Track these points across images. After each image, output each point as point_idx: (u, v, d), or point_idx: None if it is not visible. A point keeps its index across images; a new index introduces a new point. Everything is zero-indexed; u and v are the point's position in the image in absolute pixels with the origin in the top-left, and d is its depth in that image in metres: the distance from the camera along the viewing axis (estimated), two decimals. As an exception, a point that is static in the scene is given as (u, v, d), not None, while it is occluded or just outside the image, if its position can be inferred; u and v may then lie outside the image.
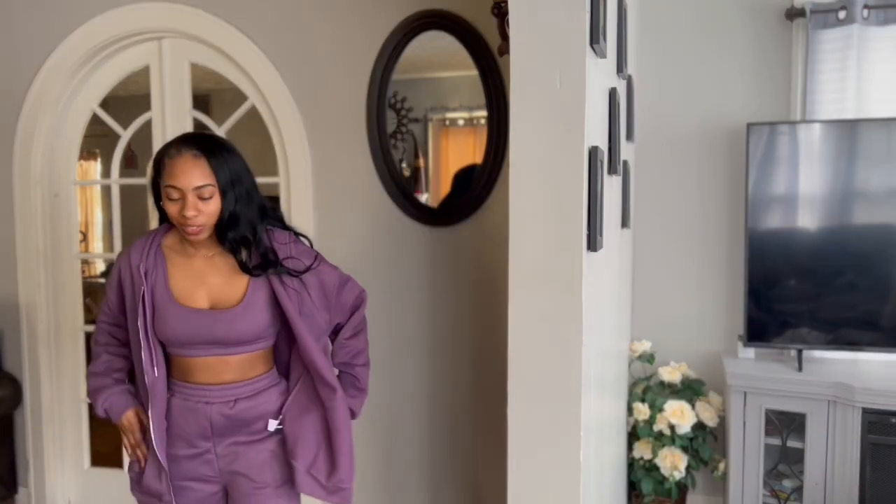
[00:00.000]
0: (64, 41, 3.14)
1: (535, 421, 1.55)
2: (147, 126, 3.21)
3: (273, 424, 1.84)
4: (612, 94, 2.00)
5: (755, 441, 2.78)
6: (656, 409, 2.89)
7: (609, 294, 2.15)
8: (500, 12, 2.39)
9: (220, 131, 3.12)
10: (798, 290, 2.81)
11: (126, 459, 3.40)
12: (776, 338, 2.85)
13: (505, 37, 2.36)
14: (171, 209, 1.68)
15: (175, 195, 1.66)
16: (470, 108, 2.83)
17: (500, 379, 2.72)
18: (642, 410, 2.88)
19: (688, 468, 2.88)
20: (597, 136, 1.70)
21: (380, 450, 3.00)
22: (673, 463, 2.81)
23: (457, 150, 2.91)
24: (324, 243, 2.89)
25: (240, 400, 1.79)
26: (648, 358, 3.06)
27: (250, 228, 1.74)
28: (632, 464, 2.98)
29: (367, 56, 2.83)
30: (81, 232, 4.06)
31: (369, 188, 2.89)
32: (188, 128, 3.14)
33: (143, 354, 1.73)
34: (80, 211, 3.49)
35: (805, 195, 2.81)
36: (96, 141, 3.78)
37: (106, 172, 4.57)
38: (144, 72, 3.19)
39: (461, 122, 2.88)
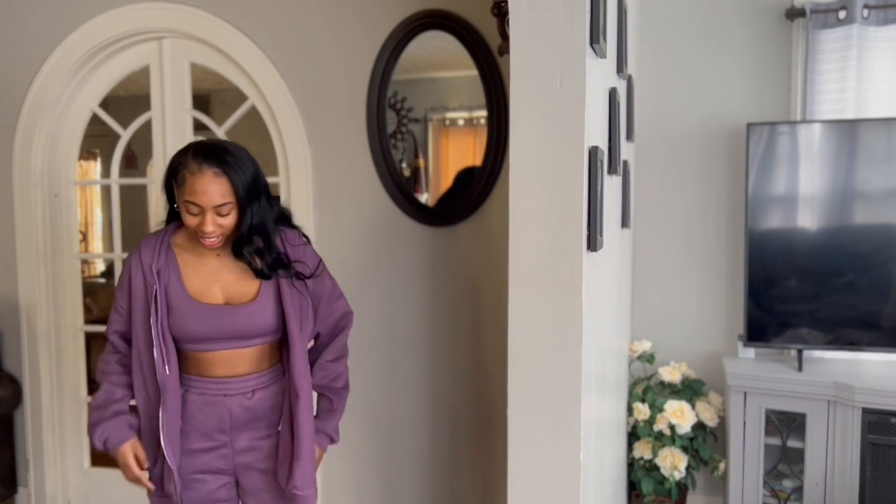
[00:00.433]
0: (64, 41, 3.14)
1: (535, 421, 1.55)
2: (147, 126, 3.21)
3: None
4: (612, 94, 1.99)
5: (755, 441, 2.78)
6: (656, 409, 2.89)
7: (609, 294, 2.15)
8: (500, 12, 2.38)
9: (220, 131, 3.12)
10: (798, 290, 2.81)
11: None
12: (776, 338, 2.85)
13: (505, 37, 2.36)
14: (191, 221, 1.71)
15: (195, 210, 1.70)
16: (470, 108, 2.83)
17: (500, 379, 2.72)
18: (642, 410, 2.88)
19: (688, 468, 2.88)
20: (597, 136, 1.70)
21: (380, 449, 3.00)
22: (673, 463, 2.81)
23: (457, 150, 2.91)
24: (323, 243, 2.89)
25: (257, 390, 1.85)
26: (648, 358, 3.06)
27: (265, 238, 1.78)
28: (632, 464, 2.98)
29: (367, 56, 2.83)
30: (81, 232, 4.06)
31: (369, 188, 2.89)
32: (188, 128, 3.15)
33: (156, 353, 1.75)
34: (80, 211, 3.49)
35: (805, 195, 2.81)
36: (96, 141, 3.78)
37: (106, 172, 4.57)
38: (144, 72, 3.19)
39: (461, 122, 2.88)
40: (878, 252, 2.72)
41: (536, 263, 1.52)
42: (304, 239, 1.92)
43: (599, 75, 1.74)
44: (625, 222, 2.56)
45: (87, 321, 3.52)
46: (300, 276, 1.84)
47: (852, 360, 2.94)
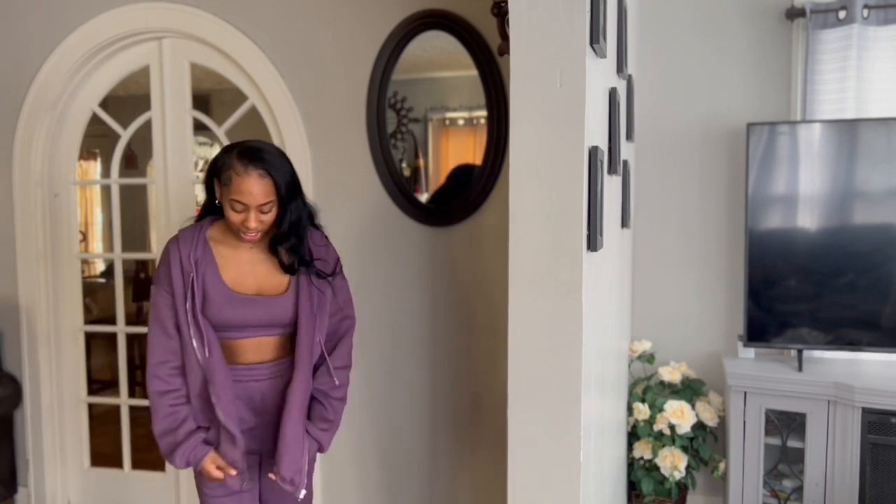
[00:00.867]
0: (64, 41, 3.14)
1: (535, 421, 1.55)
2: (147, 126, 3.21)
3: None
4: (612, 94, 1.99)
5: (755, 441, 2.78)
6: (656, 409, 2.89)
7: (609, 294, 2.15)
8: (500, 12, 2.38)
9: (220, 131, 3.12)
10: (798, 290, 2.81)
11: (125, 460, 3.41)
12: (776, 338, 2.85)
13: (505, 37, 2.36)
14: (235, 218, 1.84)
15: (240, 208, 1.83)
16: (470, 108, 2.83)
17: (500, 378, 2.72)
18: (642, 410, 2.88)
19: (688, 468, 2.88)
20: (597, 136, 1.70)
21: (380, 449, 3.00)
22: (673, 463, 2.81)
23: (457, 150, 2.91)
24: (324, 243, 2.88)
25: (283, 375, 1.98)
26: (648, 358, 3.06)
27: (299, 238, 1.93)
28: (632, 464, 2.98)
29: (367, 56, 2.83)
30: (81, 232, 4.06)
31: (369, 188, 2.89)
32: (188, 128, 3.15)
33: (194, 340, 1.86)
34: (80, 211, 3.49)
35: (805, 195, 2.81)
36: (96, 141, 3.78)
37: (106, 172, 4.56)
38: (144, 72, 3.19)
39: (461, 122, 2.88)
40: (878, 252, 2.72)
41: (536, 263, 1.52)
42: (326, 239, 2.06)
43: (599, 75, 1.74)
44: (625, 222, 2.56)
45: (87, 321, 3.53)
46: (320, 275, 1.96)
47: (852, 360, 2.94)
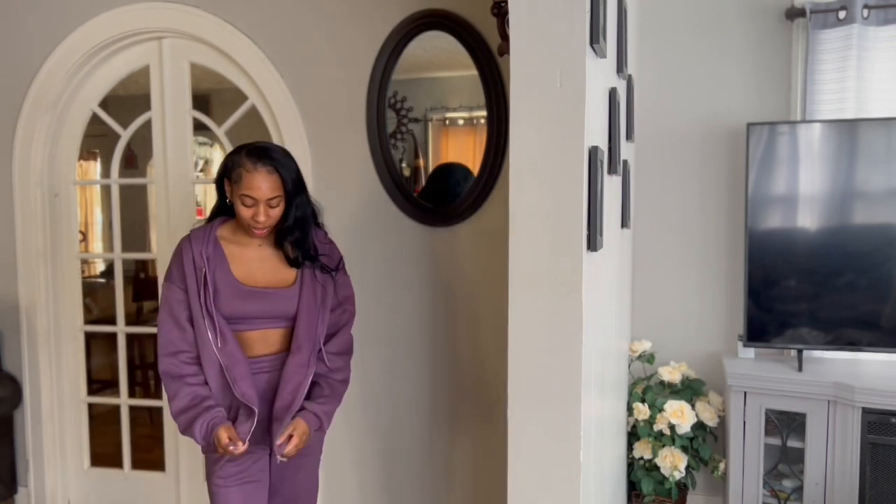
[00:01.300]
0: (64, 41, 3.14)
1: (535, 421, 1.55)
2: (147, 126, 3.21)
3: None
4: (612, 94, 2.00)
5: (755, 441, 2.78)
6: (656, 409, 2.89)
7: (609, 294, 2.15)
8: (500, 12, 2.38)
9: (220, 131, 3.12)
10: (798, 290, 2.81)
11: (125, 460, 3.41)
12: (776, 338, 2.85)
13: (505, 37, 2.36)
14: (245, 213, 1.95)
15: (249, 203, 1.94)
16: (470, 108, 2.83)
17: (500, 378, 2.72)
18: (642, 410, 2.88)
19: (688, 468, 2.88)
20: (597, 136, 1.70)
21: (380, 448, 3.00)
22: (673, 463, 2.81)
23: (457, 150, 2.91)
24: (324, 243, 2.88)
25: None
26: (648, 358, 3.06)
27: (304, 232, 2.03)
28: (632, 464, 2.98)
29: (367, 56, 2.83)
30: (81, 232, 4.06)
31: (369, 188, 2.89)
32: (188, 128, 3.15)
33: (209, 332, 1.95)
34: (80, 211, 3.49)
35: (805, 195, 2.81)
36: (96, 141, 3.78)
37: (106, 172, 4.56)
38: (144, 72, 3.19)
39: (461, 122, 2.88)
40: (878, 252, 2.72)
41: (536, 263, 1.52)
42: (328, 237, 2.17)
43: (599, 75, 1.74)
44: (625, 222, 2.56)
45: (87, 321, 3.53)
46: (325, 269, 2.08)
47: (852, 360, 2.94)
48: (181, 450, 3.26)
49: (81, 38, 3.12)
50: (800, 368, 2.79)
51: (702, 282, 3.18)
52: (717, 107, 3.10)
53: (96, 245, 6.34)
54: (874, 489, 2.60)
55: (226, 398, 2.00)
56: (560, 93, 1.49)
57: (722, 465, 2.93)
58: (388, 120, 2.87)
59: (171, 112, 3.15)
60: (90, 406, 3.45)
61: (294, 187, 1.98)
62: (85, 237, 6.10)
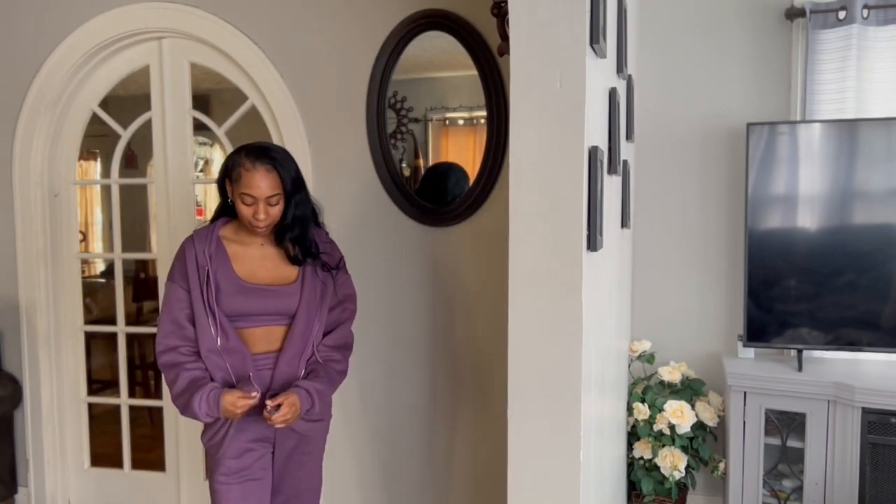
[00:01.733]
0: (64, 41, 3.14)
1: (535, 421, 1.55)
2: (147, 126, 3.21)
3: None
4: (612, 94, 2.00)
5: (755, 441, 2.78)
6: (656, 409, 2.89)
7: (609, 294, 2.15)
8: (500, 12, 2.39)
9: (220, 131, 3.12)
10: (798, 290, 2.81)
11: (125, 460, 3.41)
12: (776, 338, 2.85)
13: (505, 37, 2.36)
14: (245, 211, 1.98)
15: (249, 201, 1.97)
16: (470, 108, 2.83)
17: (500, 378, 2.72)
18: (642, 410, 2.88)
19: (688, 468, 2.88)
20: (597, 136, 1.70)
21: (379, 447, 3.00)
22: (673, 463, 2.81)
23: (457, 150, 2.91)
24: (324, 243, 2.88)
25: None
26: (648, 358, 3.06)
27: (303, 229, 2.06)
28: (632, 464, 2.98)
29: (367, 56, 2.83)
30: (81, 232, 4.06)
31: (369, 188, 2.89)
32: (188, 128, 3.15)
33: (211, 328, 1.97)
34: (80, 211, 3.49)
35: (805, 195, 2.81)
36: (96, 141, 3.78)
37: (106, 172, 4.57)
38: (144, 72, 3.19)
39: (461, 122, 2.88)
40: (878, 252, 2.72)
41: (536, 263, 1.52)
42: (329, 237, 2.20)
43: (599, 75, 1.74)
44: (625, 222, 2.56)
45: (87, 321, 3.53)
46: (325, 267, 2.11)
47: (852, 360, 2.94)
48: (181, 450, 3.26)
49: (81, 38, 3.12)
50: (800, 368, 2.79)
51: (702, 282, 3.18)
52: (717, 107, 3.10)
53: (96, 245, 6.34)
54: (874, 489, 2.60)
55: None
56: (560, 93, 1.49)
57: (722, 465, 2.93)
58: (388, 120, 2.87)
59: (171, 112, 3.15)
60: (90, 406, 3.45)
61: (293, 186, 2.01)
62: (85, 237, 6.10)
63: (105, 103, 3.33)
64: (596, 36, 1.52)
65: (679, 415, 2.82)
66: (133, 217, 3.56)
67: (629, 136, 2.70)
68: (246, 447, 2.04)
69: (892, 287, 2.71)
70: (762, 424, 2.77)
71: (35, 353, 3.30)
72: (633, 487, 3.01)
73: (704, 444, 2.93)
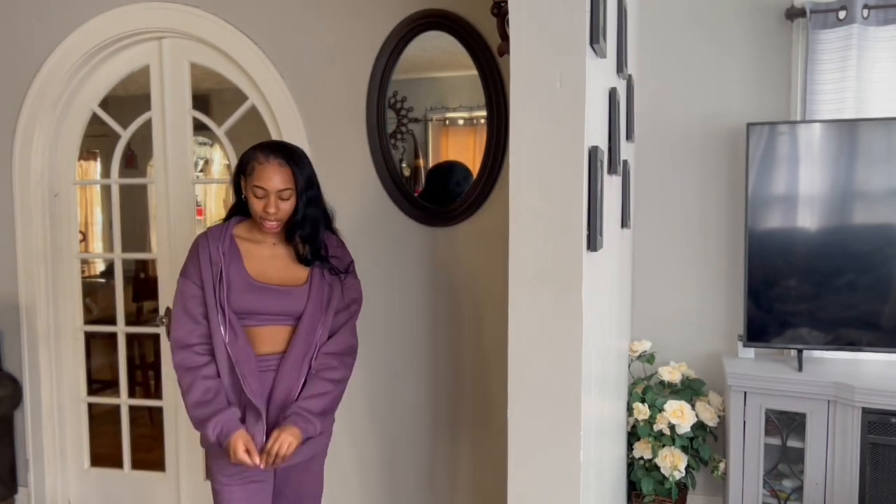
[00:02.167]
0: (64, 41, 3.14)
1: (535, 421, 1.55)
2: (147, 126, 3.21)
3: None
4: (612, 94, 2.00)
5: (755, 441, 2.78)
6: (656, 409, 2.89)
7: (609, 294, 2.15)
8: (500, 12, 2.39)
9: (220, 131, 3.12)
10: (798, 290, 2.81)
11: (125, 460, 3.41)
12: (776, 338, 2.85)
13: (505, 37, 2.36)
14: (257, 205, 2.00)
15: (261, 194, 1.99)
16: (470, 108, 2.83)
17: (500, 378, 2.72)
18: (642, 410, 2.88)
19: (688, 468, 2.88)
20: (597, 136, 1.70)
21: (381, 448, 3.00)
22: (673, 463, 2.81)
23: (457, 150, 2.91)
24: (324, 243, 2.88)
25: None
26: (648, 358, 3.06)
27: (314, 229, 2.07)
28: (632, 464, 2.98)
29: (367, 56, 2.83)
30: (81, 232, 4.06)
31: (369, 188, 2.89)
32: (188, 128, 3.15)
33: (221, 326, 1.98)
34: (80, 211, 3.49)
35: (805, 195, 2.81)
36: (96, 141, 3.78)
37: (106, 172, 4.56)
38: (144, 72, 3.19)
39: (461, 122, 2.88)
40: (878, 252, 2.72)
41: (536, 263, 1.52)
42: (341, 241, 2.21)
43: (599, 75, 1.74)
44: (625, 222, 2.56)
45: (87, 321, 3.53)
46: (333, 271, 2.11)
47: (852, 360, 2.94)
48: (181, 450, 3.26)
49: (81, 38, 3.12)
50: (800, 368, 2.79)
51: (702, 282, 3.18)
52: (717, 107, 3.10)
53: (96, 245, 6.34)
54: (874, 489, 2.60)
55: (235, 394, 2.01)
56: (560, 93, 1.49)
57: (722, 465, 2.93)
58: (388, 120, 2.87)
59: (171, 112, 3.15)
60: (90, 406, 3.45)
61: (306, 184, 2.02)
62: (85, 237, 6.10)
63: (105, 103, 3.33)
64: (596, 36, 1.52)
65: (679, 415, 2.82)
66: (133, 217, 3.55)
67: (629, 136, 2.70)
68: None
69: (892, 287, 2.71)
70: (762, 424, 2.77)
71: (35, 353, 3.30)
72: (633, 487, 3.01)
73: (704, 444, 2.93)
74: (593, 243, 1.56)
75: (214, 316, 1.98)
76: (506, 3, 2.25)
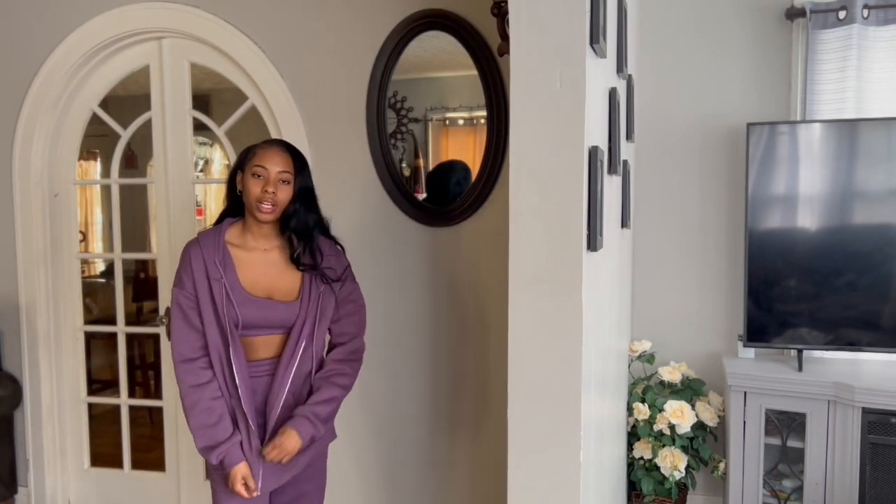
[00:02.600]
0: (64, 41, 3.14)
1: (535, 421, 1.55)
2: (147, 126, 3.21)
3: None
4: (612, 94, 2.00)
5: (755, 441, 2.78)
6: (656, 409, 2.89)
7: (609, 294, 2.15)
8: (500, 12, 2.39)
9: (220, 131, 3.12)
10: (798, 290, 2.81)
11: (125, 460, 3.41)
12: (776, 338, 2.85)
13: (505, 37, 2.36)
14: (255, 187, 1.97)
15: (261, 173, 1.97)
16: (470, 108, 2.83)
17: (501, 378, 2.72)
18: (642, 410, 2.88)
19: (688, 468, 2.88)
20: (597, 136, 1.70)
21: (381, 448, 3.00)
22: (673, 463, 2.81)
23: (457, 150, 2.91)
24: (324, 243, 2.88)
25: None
26: (648, 358, 3.06)
27: (308, 225, 2.04)
28: (632, 464, 2.98)
29: (367, 56, 2.83)
30: (81, 232, 4.06)
31: (369, 188, 2.89)
32: (188, 128, 3.15)
33: (219, 338, 1.97)
34: (80, 211, 3.49)
35: (805, 195, 2.81)
36: (96, 141, 3.78)
37: (106, 172, 4.56)
38: (144, 72, 3.19)
39: (461, 122, 2.88)
40: (878, 252, 2.72)
41: (536, 263, 1.52)
42: (337, 248, 2.18)
43: (599, 75, 1.74)
44: (625, 222, 2.56)
45: (87, 321, 3.53)
46: (326, 279, 2.08)
47: (852, 360, 2.94)
48: (181, 450, 3.26)
49: (81, 38, 3.12)
50: (800, 368, 2.79)
51: (702, 282, 3.18)
52: (717, 107, 3.10)
53: (96, 245, 6.34)
54: (874, 489, 2.60)
55: (229, 402, 2.01)
56: (560, 93, 1.49)
57: (722, 465, 2.93)
58: (388, 120, 2.87)
59: (171, 112, 3.15)
60: (90, 406, 3.45)
61: (303, 174, 2.03)
62: (85, 237, 6.10)
63: (105, 103, 3.33)
64: (596, 36, 1.52)
65: (679, 415, 2.82)
66: (133, 217, 3.55)
67: (629, 136, 2.70)
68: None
69: (892, 287, 2.71)
70: (762, 424, 2.77)
71: (35, 354, 3.30)
72: (633, 487, 3.01)
73: (704, 444, 2.93)
74: (593, 243, 1.56)
75: (212, 327, 1.97)
76: (506, 3, 2.25)
